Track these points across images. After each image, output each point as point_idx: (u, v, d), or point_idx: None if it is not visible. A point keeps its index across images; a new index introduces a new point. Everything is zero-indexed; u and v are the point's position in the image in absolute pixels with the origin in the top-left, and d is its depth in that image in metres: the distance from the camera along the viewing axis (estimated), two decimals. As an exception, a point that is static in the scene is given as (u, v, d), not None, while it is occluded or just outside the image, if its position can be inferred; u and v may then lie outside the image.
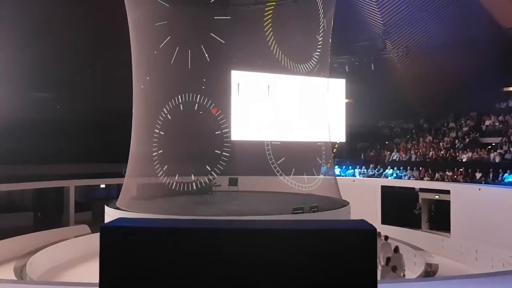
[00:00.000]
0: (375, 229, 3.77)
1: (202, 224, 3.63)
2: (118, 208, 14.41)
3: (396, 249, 12.85)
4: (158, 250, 3.01)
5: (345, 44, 21.93)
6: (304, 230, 3.37)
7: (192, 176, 16.91)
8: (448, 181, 18.91)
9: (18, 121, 19.62)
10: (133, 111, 17.37)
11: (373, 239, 3.65)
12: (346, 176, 22.02)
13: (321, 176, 17.33)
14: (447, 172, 19.28)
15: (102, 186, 24.08)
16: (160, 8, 15.77)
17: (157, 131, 16.63)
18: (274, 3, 15.90)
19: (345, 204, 15.11)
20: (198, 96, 16.98)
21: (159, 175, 16.42)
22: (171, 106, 16.67)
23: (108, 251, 2.92)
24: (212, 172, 17.05)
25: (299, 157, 17.32)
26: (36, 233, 17.51)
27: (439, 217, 19.40)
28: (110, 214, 14.28)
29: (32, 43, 20.29)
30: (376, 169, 21.87)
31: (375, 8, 20.34)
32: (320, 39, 17.15)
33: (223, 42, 15.72)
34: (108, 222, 2.99)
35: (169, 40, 15.97)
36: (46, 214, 21.44)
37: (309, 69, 17.30)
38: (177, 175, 16.71)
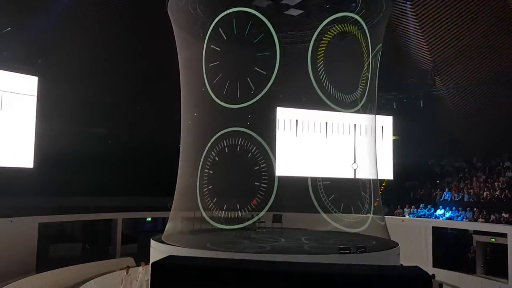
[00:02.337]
0: (430, 276, 3.56)
1: (250, 265, 3.56)
2: (163, 242, 14.52)
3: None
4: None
5: (392, 80, 21.68)
6: (355, 275, 3.23)
7: (236, 212, 16.88)
8: (505, 223, 17.86)
9: (71, 155, 20.52)
10: (180, 146, 17.78)
11: (429, 288, 3.43)
12: (394, 215, 21.29)
13: (368, 215, 16.82)
14: (503, 214, 18.24)
15: (148, 219, 24.47)
16: (209, 48, 16.30)
17: (202, 165, 16.86)
18: (324, 41, 16.07)
19: (394, 245, 14.52)
20: (244, 132, 17.14)
21: (204, 210, 16.53)
22: (217, 142, 16.90)
23: (159, 286, 2.93)
24: (255, 208, 16.97)
25: (344, 195, 16.98)
26: (84, 264, 17.88)
27: (496, 262, 18.24)
28: (156, 248, 14.41)
29: (85, 81, 21.46)
30: (427, 209, 21.02)
31: (424, 44, 20.11)
32: (366, 76, 17.06)
33: (265, 73, 15.94)
34: (159, 260, 2.99)
35: (217, 78, 16.39)
36: (94, 245, 21.96)
37: (355, 106, 17.15)
38: (221, 211, 16.76)
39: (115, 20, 20.48)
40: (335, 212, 17.37)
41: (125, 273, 14.80)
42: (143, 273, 15.29)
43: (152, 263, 2.84)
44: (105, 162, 22.00)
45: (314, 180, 18.16)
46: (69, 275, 16.36)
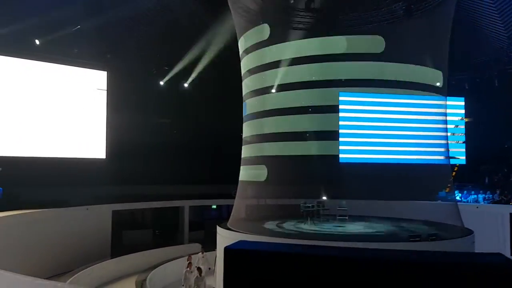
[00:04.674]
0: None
1: (320, 251, 3.46)
2: (229, 229, 14.75)
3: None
4: (279, 274, 2.92)
5: (464, 59, 20.44)
6: (432, 263, 3.03)
7: (302, 200, 16.75)
8: None
9: (140, 146, 21.38)
10: (243, 134, 17.92)
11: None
12: (468, 202, 20.21)
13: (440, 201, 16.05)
14: None
15: (214, 206, 25.02)
16: (270, 38, 16.22)
17: (266, 154, 16.87)
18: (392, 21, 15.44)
19: (468, 233, 13.77)
20: (308, 118, 16.91)
21: (268, 198, 16.58)
22: (281, 129, 16.82)
23: (232, 272, 2.92)
24: (321, 195, 16.77)
25: (415, 181, 16.25)
26: (155, 249, 18.61)
27: None
28: (222, 234, 14.68)
29: (151, 74, 22.20)
30: (503, 195, 19.75)
31: (498, 19, 18.71)
32: (436, 55, 16.18)
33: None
34: (231, 245, 2.98)
35: (278, 64, 16.28)
36: (163, 232, 22.82)
37: (424, 88, 16.34)
38: (285, 198, 16.72)
39: (180, 14, 20.90)
40: (404, 199, 16.72)
41: (188, 269, 14.54)
42: (203, 261, 15.66)
43: (225, 248, 2.83)
44: (171, 152, 22.75)
45: (382, 165, 17.56)
46: (142, 260, 17.09)
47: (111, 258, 17.34)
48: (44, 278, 10.38)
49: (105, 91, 20.51)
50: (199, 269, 14.06)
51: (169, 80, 23.55)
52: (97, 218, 18.40)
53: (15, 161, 17.37)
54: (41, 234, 15.81)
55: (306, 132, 17.16)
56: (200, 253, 16.07)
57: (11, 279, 7.04)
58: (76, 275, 14.27)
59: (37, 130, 18.43)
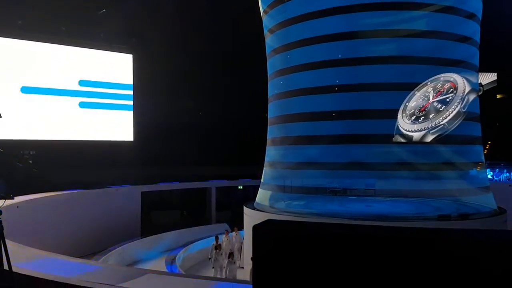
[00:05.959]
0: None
1: (352, 229, 3.39)
2: (255, 209, 14.84)
3: None
4: (310, 253, 2.88)
5: (494, 34, 19.61)
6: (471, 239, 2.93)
7: (328, 180, 16.60)
8: None
9: (167, 128, 21.61)
10: (268, 116, 17.82)
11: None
12: (500, 180, 19.66)
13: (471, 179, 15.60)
14: None
15: (240, 187, 25.17)
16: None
17: (292, 134, 16.74)
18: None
19: (500, 211, 13.43)
20: (334, 98, 16.62)
21: (292, 178, 16.49)
22: (307, 109, 16.62)
23: (261, 250, 2.90)
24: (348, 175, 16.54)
25: (442, 158, 15.84)
26: (184, 229, 18.92)
27: None
28: (248, 214, 14.78)
29: (176, 57, 22.24)
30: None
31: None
32: (466, 30, 15.58)
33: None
34: (260, 224, 2.95)
35: (304, 42, 16.01)
36: (191, 212, 23.17)
37: (457, 64, 15.78)
38: (310, 178, 16.60)
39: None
40: (433, 178, 16.33)
41: (217, 250, 14.44)
42: (237, 238, 15.99)
43: (253, 227, 2.81)
44: (198, 134, 22.94)
45: (406, 145, 17.15)
46: (171, 240, 17.41)
47: (141, 238, 17.73)
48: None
49: (131, 74, 20.67)
50: (231, 254, 14.04)
51: (195, 62, 23.56)
52: (126, 199, 18.79)
53: (47, 144, 17.77)
54: (72, 215, 16.24)
55: (333, 111, 16.86)
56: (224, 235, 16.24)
57: (45, 258, 7.27)
58: (107, 254, 14.65)
59: (66, 113, 18.75)
